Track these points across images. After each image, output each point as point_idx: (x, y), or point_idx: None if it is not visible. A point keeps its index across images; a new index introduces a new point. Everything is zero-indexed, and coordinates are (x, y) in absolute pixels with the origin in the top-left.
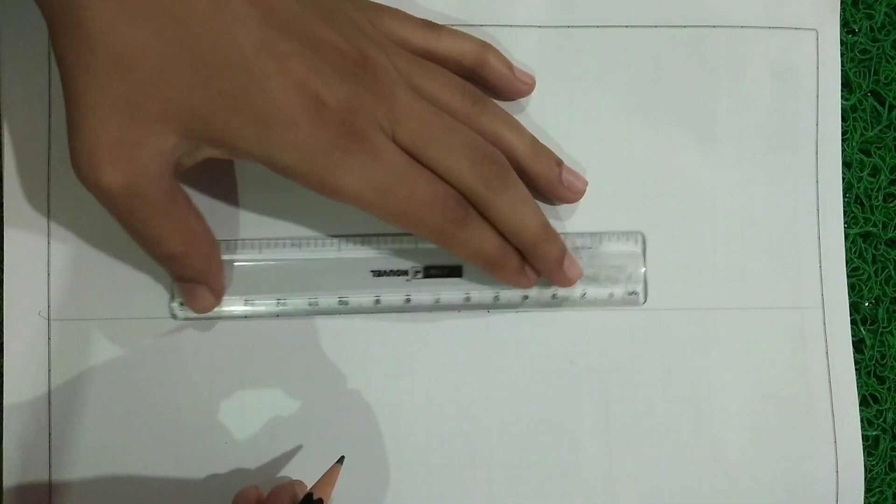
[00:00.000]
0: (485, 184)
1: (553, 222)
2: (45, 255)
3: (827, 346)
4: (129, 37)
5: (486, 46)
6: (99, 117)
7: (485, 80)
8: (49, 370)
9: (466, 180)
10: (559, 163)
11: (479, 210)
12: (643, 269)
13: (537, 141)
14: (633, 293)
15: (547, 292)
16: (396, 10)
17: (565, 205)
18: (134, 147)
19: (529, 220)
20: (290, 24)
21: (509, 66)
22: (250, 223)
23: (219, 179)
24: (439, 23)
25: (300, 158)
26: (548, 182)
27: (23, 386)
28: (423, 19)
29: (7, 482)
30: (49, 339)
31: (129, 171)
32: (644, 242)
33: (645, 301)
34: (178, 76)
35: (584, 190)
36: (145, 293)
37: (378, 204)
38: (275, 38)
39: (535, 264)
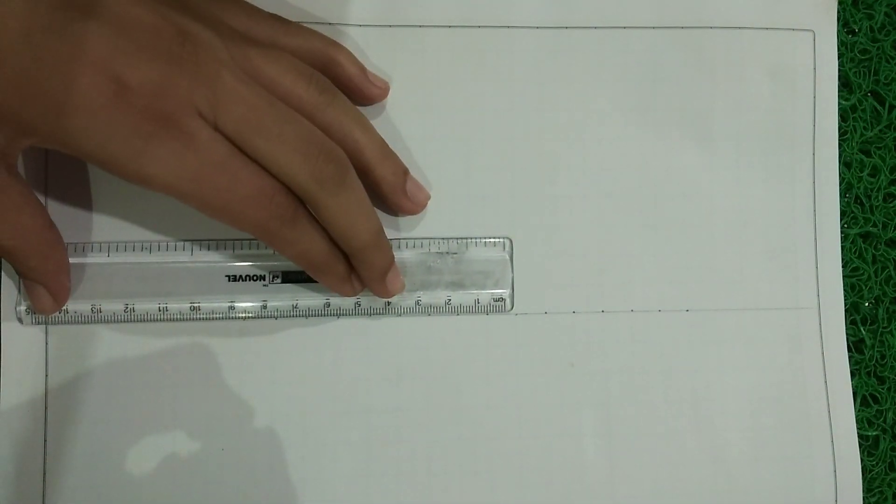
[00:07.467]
0: (318, 182)
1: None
2: None
3: (823, 346)
4: None
5: (336, 46)
6: None
7: (335, 81)
8: (46, 374)
9: (296, 176)
10: (406, 171)
11: (310, 209)
12: (511, 275)
13: (386, 144)
14: (500, 299)
15: (412, 297)
16: (245, 2)
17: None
18: None
19: (362, 225)
20: (93, 6)
21: (361, 68)
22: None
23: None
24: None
25: (97, 145)
26: (392, 188)
27: (20, 390)
28: (272, 14)
29: (2, 486)
30: (46, 343)
31: None
32: (511, 248)
33: (513, 307)
34: None
35: (426, 203)
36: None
37: (194, 195)
38: (69, 20)
39: (360, 271)
